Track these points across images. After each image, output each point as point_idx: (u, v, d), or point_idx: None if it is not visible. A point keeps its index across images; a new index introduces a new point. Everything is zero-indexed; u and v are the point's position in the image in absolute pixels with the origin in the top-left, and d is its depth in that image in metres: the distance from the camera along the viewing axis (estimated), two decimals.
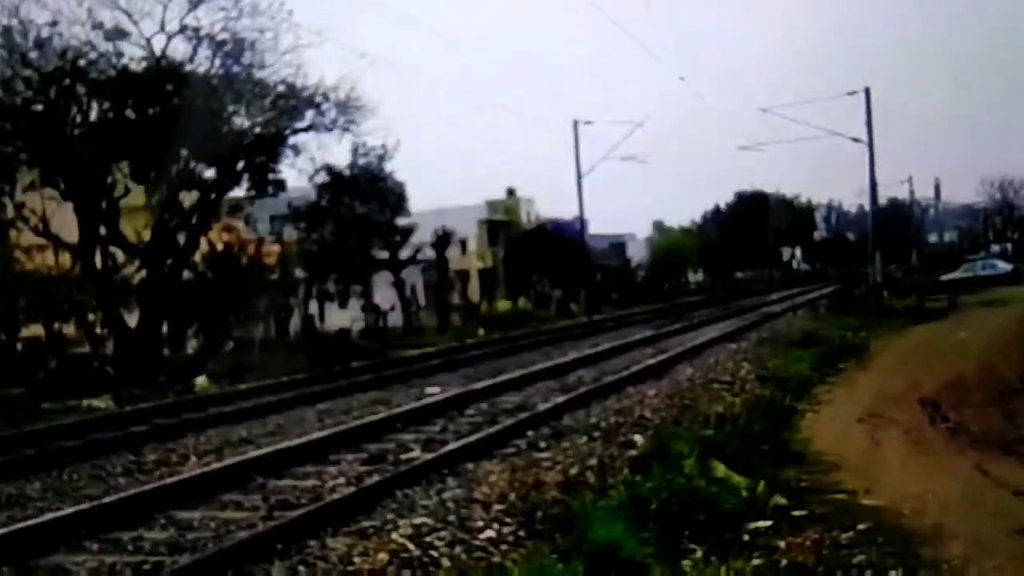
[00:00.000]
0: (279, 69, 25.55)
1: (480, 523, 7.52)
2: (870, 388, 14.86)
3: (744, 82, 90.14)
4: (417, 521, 7.55)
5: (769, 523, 7.57)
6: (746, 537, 7.25)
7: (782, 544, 6.97)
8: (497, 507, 7.94)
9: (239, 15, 24.70)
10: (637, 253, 73.32)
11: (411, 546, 6.92)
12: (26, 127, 23.36)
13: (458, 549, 6.90)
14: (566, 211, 51.91)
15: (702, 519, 7.47)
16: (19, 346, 24.67)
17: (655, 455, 9.44)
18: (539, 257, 49.23)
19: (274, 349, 26.76)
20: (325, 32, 38.52)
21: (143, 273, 25.46)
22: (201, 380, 21.01)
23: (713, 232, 74.15)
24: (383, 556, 6.71)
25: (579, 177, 41.84)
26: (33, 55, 23.12)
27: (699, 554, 6.73)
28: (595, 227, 67.17)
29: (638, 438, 10.67)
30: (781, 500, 8.21)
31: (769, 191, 79.28)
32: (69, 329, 25.97)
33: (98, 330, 25.21)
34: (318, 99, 26.44)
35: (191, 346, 26.45)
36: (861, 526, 7.18)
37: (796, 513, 7.83)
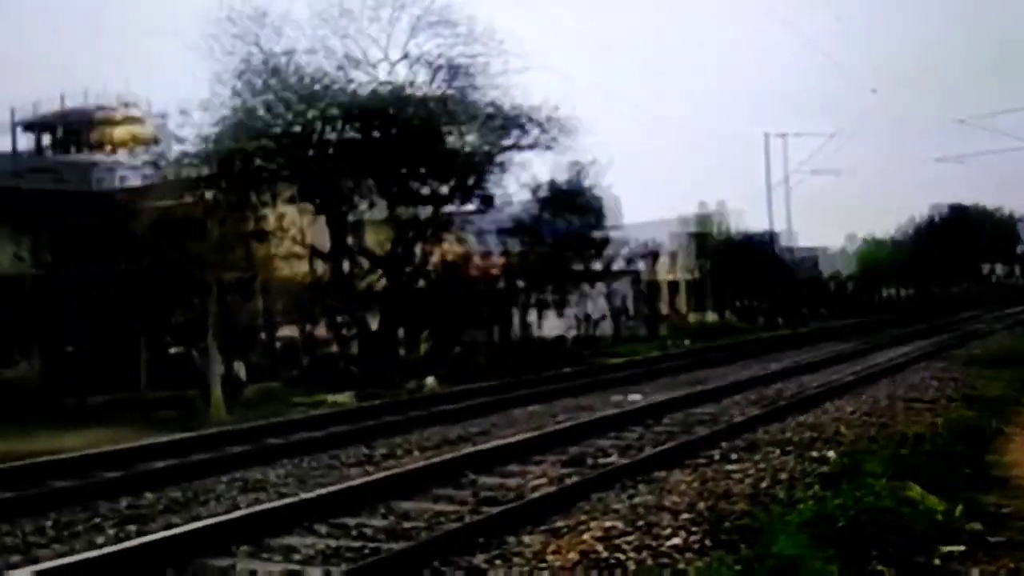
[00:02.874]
0: (488, 92, 26.13)
1: (668, 529, 7.36)
2: None
3: (940, 93, 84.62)
4: (608, 524, 7.48)
5: (963, 548, 7.03)
6: (937, 561, 6.75)
7: (975, 571, 6.47)
8: (685, 515, 7.76)
9: (456, 42, 25.46)
10: (828, 266, 69.84)
11: (600, 547, 6.87)
12: (286, 147, 24.75)
13: (644, 553, 6.78)
14: (777, 224, 50.26)
15: (892, 540, 7.02)
16: (278, 345, 26.32)
17: (846, 473, 8.99)
18: (741, 270, 47.92)
19: (496, 353, 27.28)
20: (542, 58, 39.33)
21: (384, 281, 26.62)
22: (430, 380, 21.68)
23: (910, 245, 69.63)
24: (573, 555, 6.70)
25: (769, 189, 40.57)
26: (273, 82, 24.44)
27: None
28: (805, 240, 64.81)
29: (831, 454, 10.17)
30: (977, 525, 7.60)
31: (968, 203, 73.86)
32: (320, 330, 27.50)
33: (344, 332, 26.53)
34: (523, 120, 26.84)
35: (423, 348, 27.35)
36: None
37: (993, 539, 7.23)
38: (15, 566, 6.65)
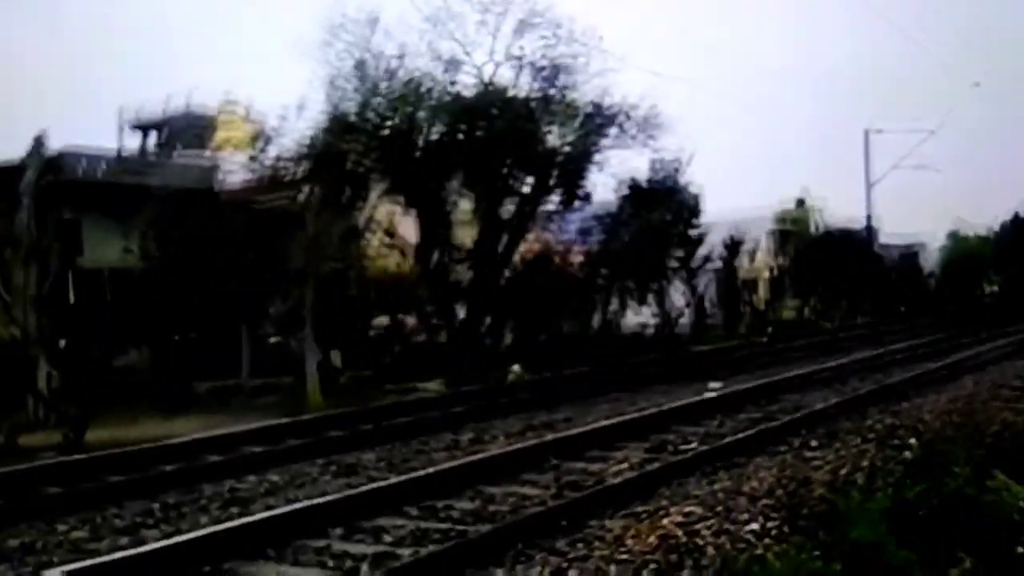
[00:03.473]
0: (588, 91, 26.12)
1: (746, 515, 7.30)
2: None
3: None
4: (687, 509, 7.44)
5: None
6: (1021, 550, 6.57)
7: None
8: (764, 501, 7.68)
9: (557, 42, 25.57)
10: (931, 262, 67.63)
11: (679, 532, 6.85)
12: (377, 146, 25.11)
13: (723, 538, 6.74)
14: (858, 219, 48.89)
15: (973, 529, 6.84)
16: (372, 334, 26.81)
17: (928, 460, 8.77)
18: (826, 264, 46.79)
19: (578, 344, 27.30)
20: (629, 56, 39.02)
21: (471, 274, 26.88)
22: (516, 368, 21.84)
23: (1008, 241, 66.83)
24: (653, 540, 6.70)
25: (868, 185, 39.46)
26: (383, 84, 24.85)
27: (967, 564, 6.19)
28: (887, 235, 62.92)
29: (913, 442, 9.92)
30: None
31: None
32: (410, 320, 27.92)
33: (433, 322, 26.88)
34: (621, 118, 26.74)
35: (508, 338, 27.54)
36: None
37: None
38: (120, 548, 6.92)
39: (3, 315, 16.79)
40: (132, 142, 48.29)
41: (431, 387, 18.97)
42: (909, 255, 65.65)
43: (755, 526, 7.07)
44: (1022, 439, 9.61)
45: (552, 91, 25.98)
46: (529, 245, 29.13)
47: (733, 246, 39.63)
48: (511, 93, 25.74)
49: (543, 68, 25.73)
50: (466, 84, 25.51)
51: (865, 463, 9.04)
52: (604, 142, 26.97)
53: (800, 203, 61.70)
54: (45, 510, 8.17)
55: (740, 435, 10.51)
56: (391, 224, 25.89)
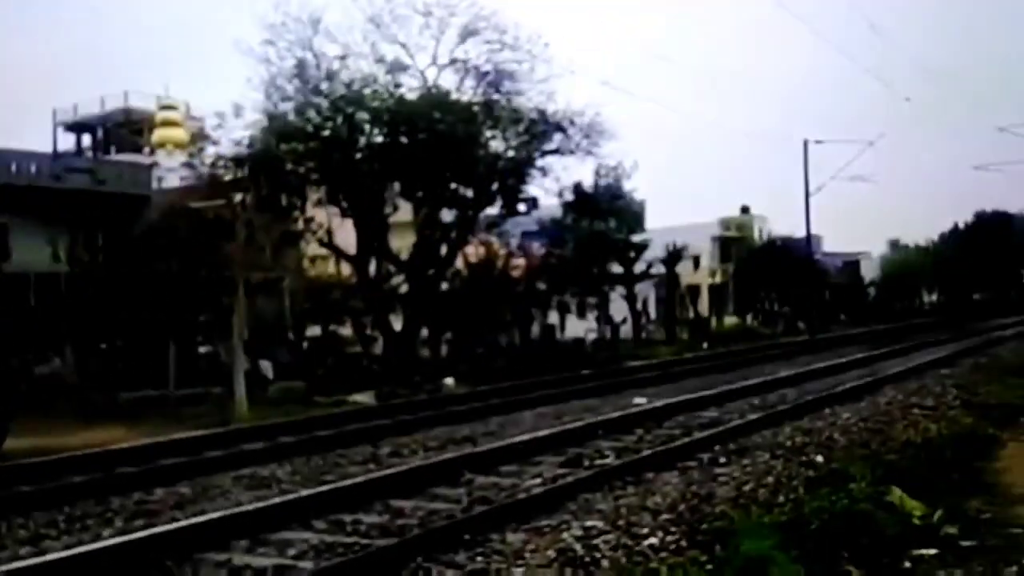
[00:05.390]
0: (532, 97, 26.35)
1: (646, 530, 7.57)
2: None
3: (977, 101, 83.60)
4: (589, 523, 7.70)
5: (934, 552, 7.16)
6: (907, 564, 6.91)
7: (941, 574, 6.61)
8: (666, 516, 7.96)
9: (502, 48, 25.76)
10: (872, 272, 69.22)
11: (577, 546, 7.10)
12: (316, 150, 24.98)
13: (620, 552, 7.00)
14: (799, 230, 49.81)
15: (864, 543, 7.16)
16: (304, 344, 26.70)
17: (830, 477, 9.12)
18: (768, 274, 47.72)
19: (517, 355, 27.48)
20: (573, 63, 39.50)
21: (408, 283, 26.88)
22: (449, 381, 21.95)
23: (949, 252, 68.61)
24: (551, 553, 6.93)
25: (807, 195, 40.41)
26: (324, 85, 24.80)
27: None
28: (829, 245, 64.27)
29: (819, 459, 10.31)
30: (952, 530, 7.72)
31: (1012, 211, 72.52)
32: (345, 330, 27.85)
33: (368, 332, 26.85)
34: (565, 124, 26.99)
35: (444, 349, 27.61)
36: None
37: (966, 543, 7.35)
38: (21, 558, 6.98)
39: None
40: (67, 143, 47.66)
41: (361, 399, 19.01)
42: (851, 264, 67.05)
43: (654, 540, 7.34)
44: (921, 456, 10.01)
45: (496, 96, 26.23)
46: (470, 253, 29.27)
47: (674, 255, 40.22)
48: (454, 97, 25.89)
49: (487, 73, 25.95)
50: (409, 87, 25.65)
51: (770, 479, 9.38)
52: (547, 147, 27.27)
53: (744, 210, 62.93)
54: None
55: (653, 450, 10.78)
56: (329, 231, 25.87)
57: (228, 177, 24.47)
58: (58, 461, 10.97)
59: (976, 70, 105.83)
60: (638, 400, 15.87)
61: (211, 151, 24.92)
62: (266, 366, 21.78)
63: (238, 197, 22.88)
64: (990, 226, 69.90)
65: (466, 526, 7.59)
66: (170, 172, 30.84)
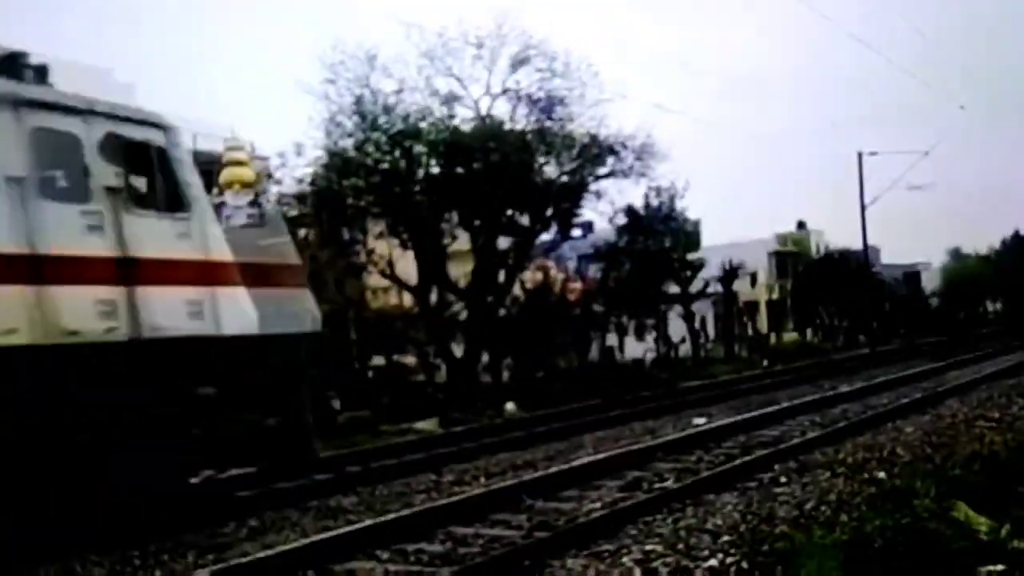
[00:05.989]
0: (584, 122, 26.44)
1: (706, 552, 7.49)
2: None
3: None
4: (649, 547, 7.65)
5: (1002, 568, 6.95)
6: None
7: None
8: (726, 537, 7.87)
9: (552, 75, 25.95)
10: (933, 283, 67.57)
11: (637, 571, 7.05)
12: (375, 183, 25.28)
13: None
14: (856, 242, 48.92)
15: (929, 560, 6.99)
16: (370, 374, 26.91)
17: (893, 493, 8.93)
18: (826, 288, 46.88)
19: (576, 378, 27.36)
20: (624, 87, 39.48)
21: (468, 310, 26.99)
22: (510, 406, 21.92)
23: (1011, 260, 66.68)
24: None
25: (863, 207, 39.74)
26: (381, 120, 25.16)
27: None
28: (888, 257, 62.99)
29: (882, 475, 10.09)
30: (1020, 544, 7.47)
31: None
32: (408, 359, 28.02)
33: (432, 360, 26.98)
34: (617, 148, 27.02)
35: (505, 374, 27.61)
36: None
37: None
38: None
39: None
40: None
41: (426, 427, 19.08)
42: (912, 276, 65.58)
43: (713, 562, 7.25)
44: (986, 470, 9.74)
45: (548, 123, 26.37)
46: (528, 278, 29.32)
47: (730, 272, 39.81)
48: (508, 126, 26.10)
49: (539, 100, 26.12)
50: (464, 118, 25.91)
51: (832, 497, 9.21)
52: (601, 171, 27.30)
53: (801, 225, 62.05)
54: None
55: (712, 471, 10.66)
56: (390, 262, 26.14)
57: (292, 214, 24.88)
58: None
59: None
60: (697, 421, 15.71)
61: (275, 190, 25.37)
62: (333, 397, 21.98)
63: (302, 233, 23.22)
64: None
65: (526, 553, 7.58)
66: (237, 211, 31.44)
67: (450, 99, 25.55)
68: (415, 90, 25.27)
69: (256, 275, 10.56)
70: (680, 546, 7.66)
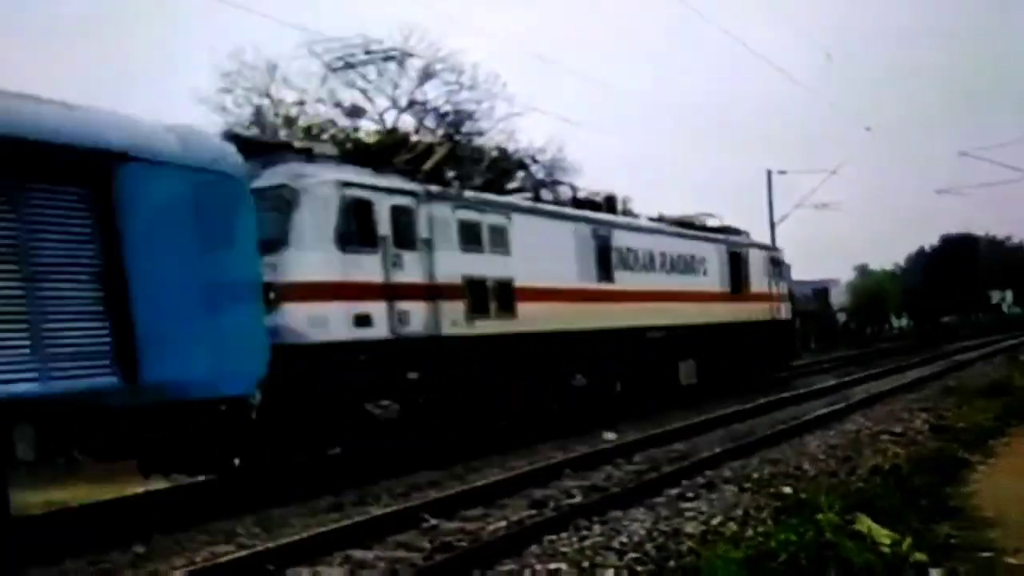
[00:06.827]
0: (493, 136, 26.44)
1: (611, 571, 7.36)
2: None
3: (938, 127, 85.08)
4: (553, 566, 7.49)
5: None
6: None
7: None
8: (631, 555, 7.76)
9: (460, 88, 25.89)
10: (841, 298, 69.46)
11: None
12: None
13: None
14: None
15: (832, 574, 6.99)
16: None
17: (797, 507, 8.96)
18: None
19: None
20: (533, 101, 39.82)
21: None
22: None
23: (916, 276, 68.97)
24: None
25: (772, 224, 40.75)
26: (282, 131, 24.72)
27: None
28: (797, 273, 64.45)
29: (787, 490, 10.14)
30: (921, 556, 7.56)
31: (977, 233, 73.18)
32: None
33: None
34: (527, 161, 27.07)
35: None
36: None
37: (934, 571, 7.20)
38: None
39: None
40: None
41: None
42: (820, 291, 67.19)
43: None
44: (889, 483, 9.88)
45: (457, 136, 26.27)
46: None
47: None
48: (414, 139, 25.92)
49: (446, 114, 26.02)
50: (367, 131, 25.66)
51: (739, 512, 9.20)
52: (511, 185, 27.30)
53: None
54: None
55: (621, 488, 10.56)
56: None
57: None
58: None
59: (934, 96, 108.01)
60: (607, 436, 15.65)
61: None
62: None
63: None
64: (956, 248, 70.40)
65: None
66: None
67: (354, 112, 25.33)
68: (318, 102, 24.98)
69: None
70: (585, 565, 7.52)
